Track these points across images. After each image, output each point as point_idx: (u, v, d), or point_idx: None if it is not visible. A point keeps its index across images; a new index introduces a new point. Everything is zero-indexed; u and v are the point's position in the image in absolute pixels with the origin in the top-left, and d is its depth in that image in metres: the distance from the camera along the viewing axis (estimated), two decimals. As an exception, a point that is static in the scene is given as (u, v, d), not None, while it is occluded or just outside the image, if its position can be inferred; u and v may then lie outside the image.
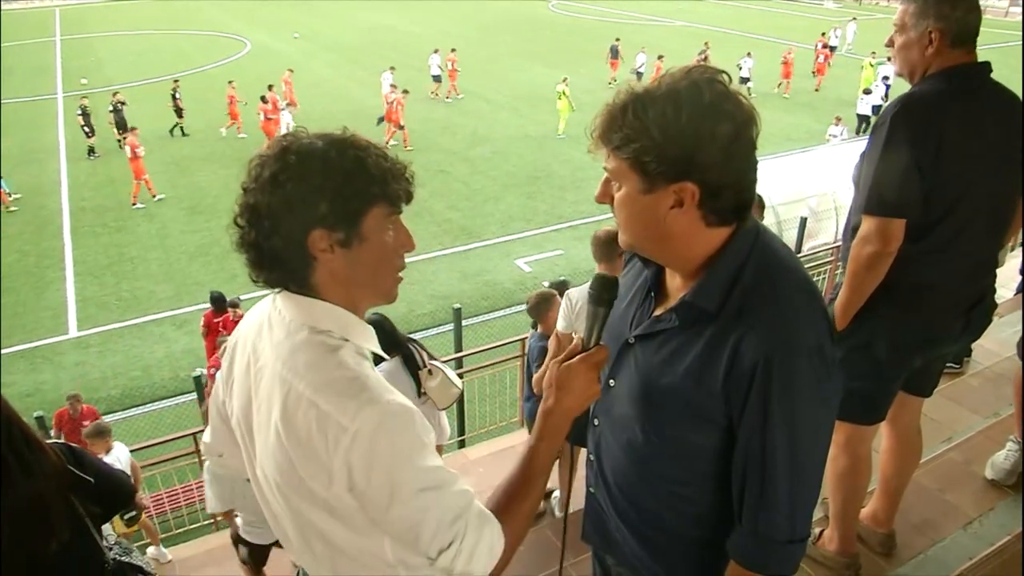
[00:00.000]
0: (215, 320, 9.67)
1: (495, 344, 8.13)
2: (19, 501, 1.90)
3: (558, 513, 4.30)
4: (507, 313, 11.65)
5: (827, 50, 26.49)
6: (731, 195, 1.36)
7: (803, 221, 10.81)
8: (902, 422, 2.94)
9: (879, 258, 2.37)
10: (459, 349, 8.06)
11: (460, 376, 7.81)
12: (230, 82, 21.59)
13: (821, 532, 3.12)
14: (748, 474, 1.41)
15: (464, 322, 8.47)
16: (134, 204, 16.30)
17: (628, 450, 1.59)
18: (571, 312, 4.05)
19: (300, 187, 1.31)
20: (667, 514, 1.60)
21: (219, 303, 9.70)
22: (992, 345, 4.82)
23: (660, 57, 23.36)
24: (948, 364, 4.07)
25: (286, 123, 18.80)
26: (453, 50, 25.37)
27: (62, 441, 2.28)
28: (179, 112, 21.30)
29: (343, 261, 1.36)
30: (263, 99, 19.80)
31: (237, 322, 3.68)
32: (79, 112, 19.59)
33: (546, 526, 3.96)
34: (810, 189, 12.68)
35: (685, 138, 1.30)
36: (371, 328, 1.44)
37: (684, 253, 1.43)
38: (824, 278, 9.42)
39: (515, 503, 1.43)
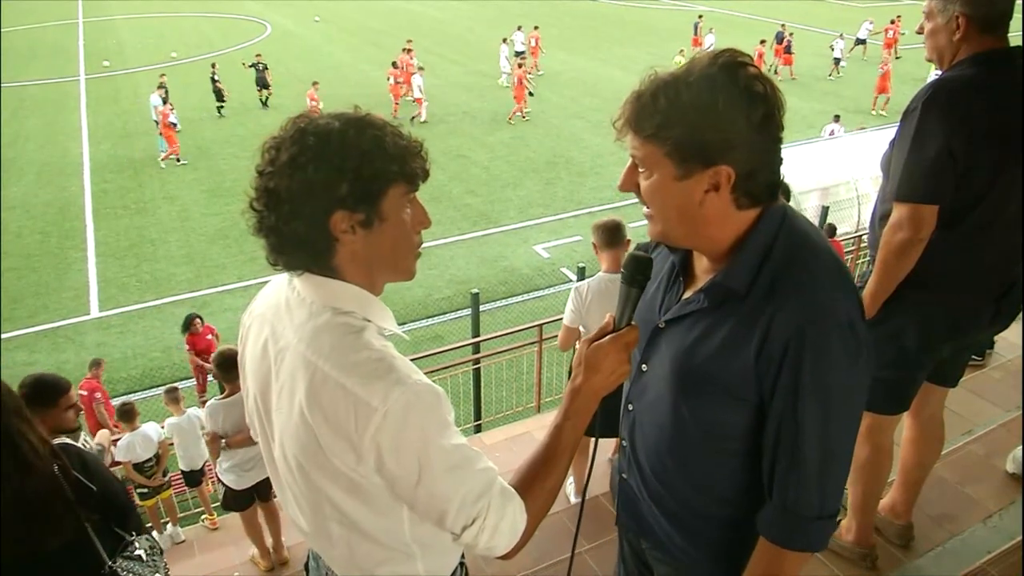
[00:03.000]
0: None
1: (513, 329, 8.13)
2: (15, 497, 1.90)
3: (574, 499, 4.30)
4: (525, 299, 11.66)
5: (894, 25, 26.66)
6: (764, 176, 1.38)
7: (824, 210, 10.72)
8: (925, 413, 2.91)
9: (911, 245, 2.35)
10: (476, 334, 8.07)
11: (477, 362, 7.87)
12: (395, 61, 22.34)
13: (839, 522, 3.10)
14: (779, 449, 1.41)
15: (482, 307, 8.47)
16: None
17: (662, 433, 1.60)
18: (582, 305, 4.02)
19: (320, 169, 1.30)
20: (700, 495, 1.61)
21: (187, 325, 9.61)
22: (1015, 338, 4.76)
23: (762, 42, 24.12)
24: (971, 356, 4.03)
25: (417, 85, 20.80)
26: (536, 28, 25.83)
27: (75, 445, 2.28)
28: (265, 84, 22.05)
29: (364, 241, 1.36)
30: (394, 64, 22.01)
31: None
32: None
33: (561, 512, 3.96)
34: (831, 178, 12.57)
35: (723, 122, 1.31)
36: (388, 309, 1.44)
37: (716, 236, 1.43)
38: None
39: (538, 481, 1.45)
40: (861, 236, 10.19)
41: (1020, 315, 2.75)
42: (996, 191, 2.33)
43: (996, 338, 4.59)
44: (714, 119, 1.30)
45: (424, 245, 1.48)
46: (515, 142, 19.22)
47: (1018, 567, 3.00)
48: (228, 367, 4.55)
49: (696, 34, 27.57)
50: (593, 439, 1.61)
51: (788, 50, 24.83)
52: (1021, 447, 3.58)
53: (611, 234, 3.98)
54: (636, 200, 1.46)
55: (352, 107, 1.39)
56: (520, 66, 21.66)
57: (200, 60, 27.83)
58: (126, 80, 25.52)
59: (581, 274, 8.69)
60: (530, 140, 19.36)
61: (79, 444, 3.70)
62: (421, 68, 21.81)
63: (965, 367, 2.92)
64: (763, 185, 1.38)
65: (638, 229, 1.51)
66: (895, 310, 2.51)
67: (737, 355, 1.40)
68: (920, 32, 2.46)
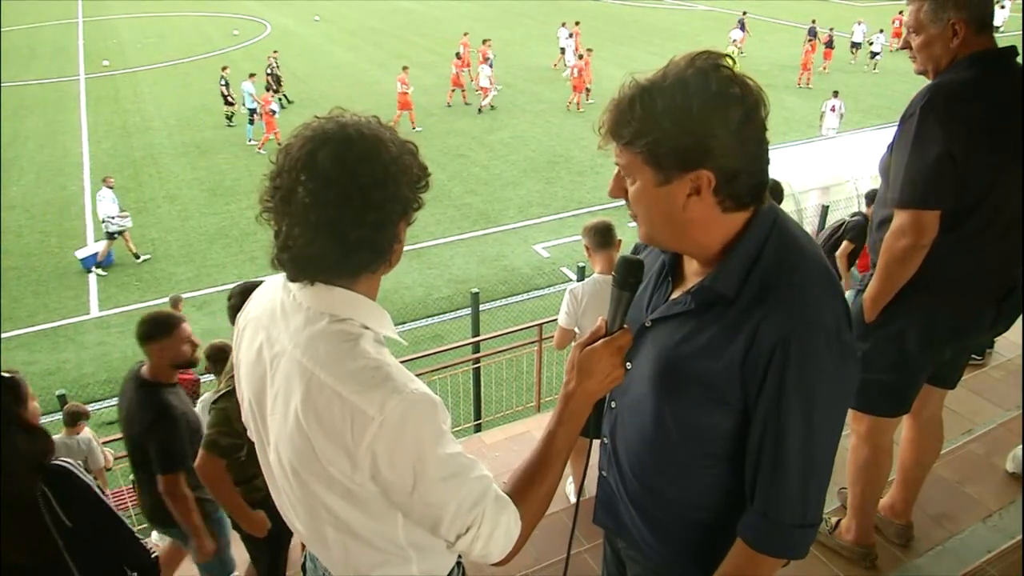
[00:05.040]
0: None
1: (512, 329, 8.13)
2: None
3: (574, 498, 4.30)
4: (525, 298, 11.65)
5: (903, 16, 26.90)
6: (746, 178, 1.37)
7: (824, 209, 10.71)
8: (924, 413, 2.91)
9: (913, 251, 2.35)
10: (476, 333, 8.07)
11: (477, 361, 7.86)
12: (458, 52, 22.63)
13: (838, 522, 3.10)
14: (762, 455, 1.41)
15: (482, 307, 8.47)
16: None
17: (643, 432, 1.60)
18: (576, 308, 4.02)
19: (406, 175, 1.34)
20: (679, 497, 1.61)
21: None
22: (1016, 337, 4.76)
23: (810, 40, 24.36)
24: (971, 356, 4.03)
25: (486, 75, 21.52)
26: (577, 23, 26.26)
27: (76, 474, 2.28)
28: (278, 82, 21.80)
29: (400, 241, 1.39)
30: (457, 55, 22.73)
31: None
32: (222, 83, 20.11)
33: (560, 511, 3.96)
34: (831, 177, 12.57)
35: (697, 126, 1.30)
36: (387, 314, 1.44)
37: (703, 240, 1.43)
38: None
39: (533, 487, 1.44)
40: (861, 235, 10.18)
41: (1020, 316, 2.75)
42: (996, 193, 2.32)
43: (996, 337, 4.59)
44: (688, 124, 1.30)
45: (425, 245, 1.50)
46: (515, 141, 19.20)
47: (1018, 566, 3.00)
48: (220, 360, 4.58)
49: (743, 30, 27.88)
50: (589, 439, 1.61)
51: (830, 45, 25.43)
52: (1021, 446, 3.57)
53: (602, 235, 3.98)
54: None
55: (337, 110, 1.37)
56: (580, 57, 22.21)
57: (200, 60, 27.83)
58: (126, 80, 25.49)
59: (581, 273, 8.70)
60: (530, 140, 19.33)
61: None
62: (487, 59, 22.21)
63: (964, 368, 2.91)
64: (746, 187, 1.37)
65: (635, 228, 1.51)
66: (896, 313, 2.50)
67: (723, 359, 1.40)
68: (905, 47, 2.45)
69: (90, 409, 7.22)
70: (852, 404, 2.62)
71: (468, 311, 8.61)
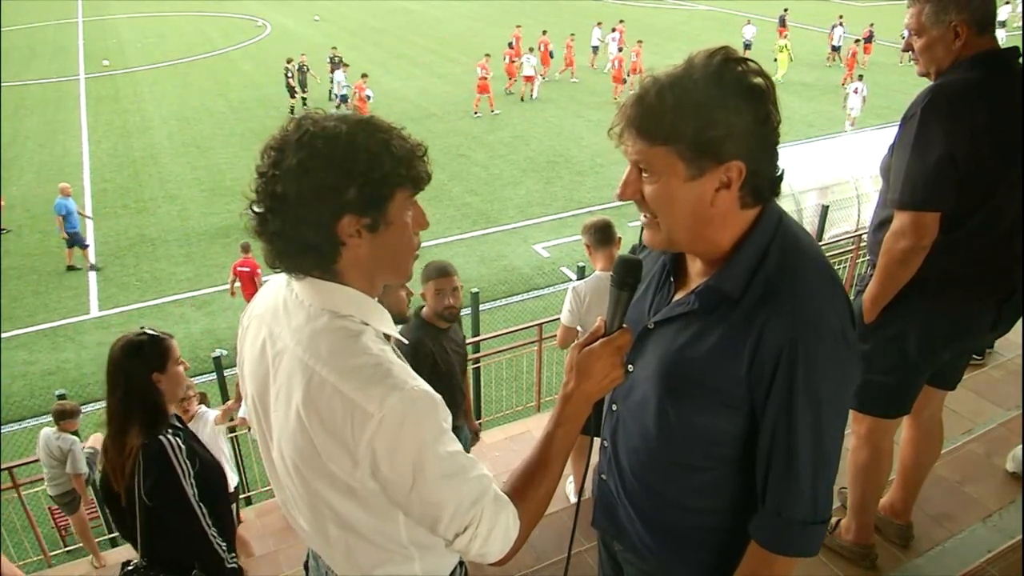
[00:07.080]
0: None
1: (512, 329, 8.13)
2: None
3: (573, 498, 4.30)
4: (525, 298, 11.65)
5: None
6: (767, 172, 1.38)
7: (824, 209, 10.70)
8: (924, 414, 2.91)
9: (913, 252, 2.34)
10: (476, 333, 8.07)
11: (477, 361, 7.86)
12: (510, 42, 23.10)
13: (838, 522, 3.10)
14: (772, 457, 1.41)
15: (481, 306, 8.46)
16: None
17: (646, 436, 1.59)
18: (580, 306, 4.02)
19: (331, 173, 1.28)
20: (679, 498, 1.60)
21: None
22: (1016, 337, 4.75)
23: (856, 41, 24.55)
24: (971, 357, 4.03)
25: (531, 65, 22.49)
26: (621, 21, 26.59)
27: (171, 460, 2.61)
28: (304, 82, 21.59)
29: (370, 246, 1.35)
30: (510, 45, 23.72)
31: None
32: (287, 73, 20.75)
33: (560, 511, 3.96)
34: (831, 177, 12.56)
35: (733, 117, 1.31)
36: (387, 312, 1.43)
37: (716, 239, 1.42)
38: (845, 267, 9.31)
39: (531, 487, 1.44)
40: (861, 235, 10.18)
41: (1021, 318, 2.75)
42: (997, 194, 2.32)
43: (996, 337, 4.59)
44: (724, 115, 1.30)
45: (424, 245, 1.48)
46: (515, 141, 19.19)
47: (1018, 566, 2.99)
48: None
49: (783, 25, 27.80)
50: (590, 437, 1.60)
51: (869, 40, 25.58)
52: (1021, 446, 3.57)
53: (603, 233, 4.01)
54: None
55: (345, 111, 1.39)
56: (620, 49, 23.59)
57: (200, 60, 27.82)
58: (126, 79, 25.50)
59: (581, 273, 8.69)
60: (530, 139, 19.32)
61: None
62: (532, 49, 23.05)
63: (965, 370, 2.91)
64: (767, 181, 1.39)
65: (635, 227, 1.50)
66: (896, 314, 2.50)
67: (728, 361, 1.39)
68: (907, 49, 2.44)
69: (91, 409, 7.21)
70: (853, 405, 2.64)
71: (468, 311, 8.60)
